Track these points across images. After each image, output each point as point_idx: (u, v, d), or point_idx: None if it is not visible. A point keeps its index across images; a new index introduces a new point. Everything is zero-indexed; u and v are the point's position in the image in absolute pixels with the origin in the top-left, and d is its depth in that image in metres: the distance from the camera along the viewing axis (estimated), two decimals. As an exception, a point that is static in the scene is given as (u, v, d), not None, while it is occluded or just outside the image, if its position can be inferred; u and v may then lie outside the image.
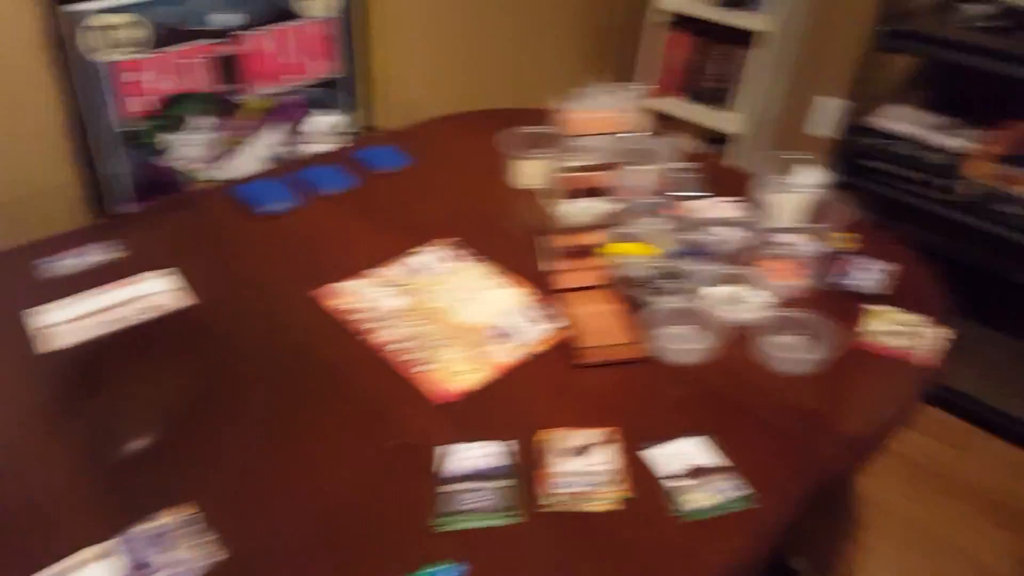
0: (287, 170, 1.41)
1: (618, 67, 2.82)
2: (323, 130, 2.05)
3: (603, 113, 1.08)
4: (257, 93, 1.88)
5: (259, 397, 0.91)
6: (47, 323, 1.02)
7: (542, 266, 1.15)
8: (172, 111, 1.75)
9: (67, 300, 1.06)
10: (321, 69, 1.98)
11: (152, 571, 0.72)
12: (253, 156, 1.94)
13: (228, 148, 1.89)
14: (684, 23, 2.47)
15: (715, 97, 2.47)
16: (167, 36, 1.67)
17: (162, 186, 1.81)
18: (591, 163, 1.10)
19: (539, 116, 1.55)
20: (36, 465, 0.82)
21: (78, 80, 1.58)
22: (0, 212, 1.60)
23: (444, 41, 2.26)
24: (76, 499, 0.78)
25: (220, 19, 1.74)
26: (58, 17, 1.52)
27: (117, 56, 1.61)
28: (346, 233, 1.25)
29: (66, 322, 1.03)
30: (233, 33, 1.77)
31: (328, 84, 2.01)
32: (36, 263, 1.13)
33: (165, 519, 0.76)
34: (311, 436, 0.87)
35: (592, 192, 1.11)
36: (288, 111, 1.96)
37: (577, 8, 2.57)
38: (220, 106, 1.83)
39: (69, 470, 0.81)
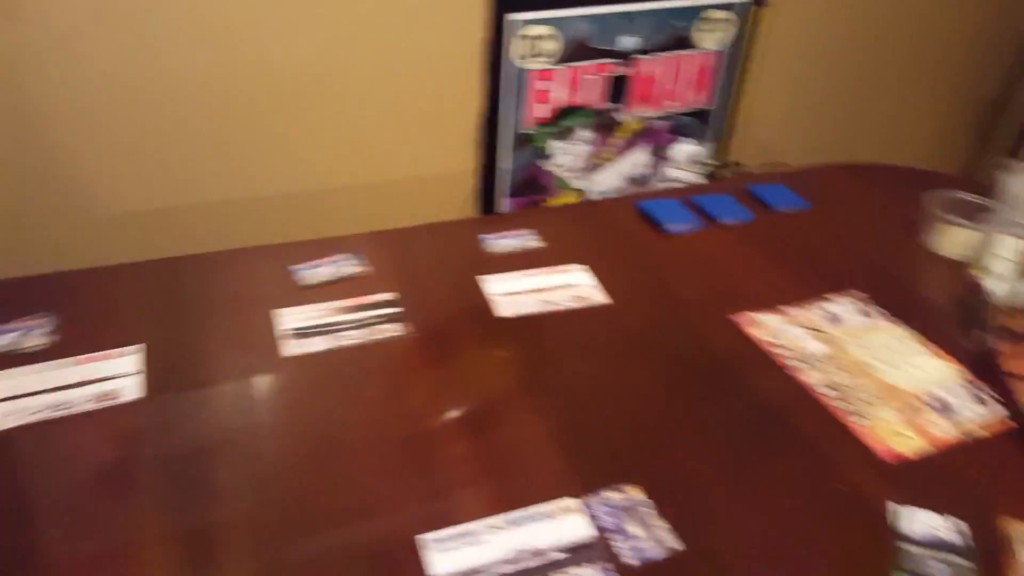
0: (684, 193, 1.46)
1: (998, 142, 2.56)
2: (684, 158, 2.10)
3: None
4: (634, 114, 1.97)
5: (697, 406, 0.95)
6: (493, 292, 1.15)
7: (978, 343, 1.07)
8: (563, 121, 1.90)
9: (505, 275, 1.19)
10: (695, 99, 2.03)
11: (620, 539, 0.77)
12: (618, 173, 2.04)
13: (598, 162, 2.01)
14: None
15: None
16: (572, 51, 1.82)
17: (537, 187, 1.97)
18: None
19: (945, 180, 1.45)
20: (517, 417, 0.92)
21: (502, 82, 1.78)
22: (408, 187, 1.85)
23: (810, 89, 2.21)
24: (547, 453, 0.86)
25: (624, 41, 1.85)
26: (501, 24, 1.71)
27: (535, 64, 1.78)
28: (752, 265, 1.25)
29: (507, 294, 1.15)
30: (632, 56, 1.87)
31: (697, 114, 2.06)
32: (481, 238, 1.27)
33: (627, 494, 0.82)
34: (752, 456, 0.88)
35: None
36: (656, 135, 2.04)
37: (959, 77, 2.38)
38: (602, 122, 1.95)
39: (545, 427, 0.90)
